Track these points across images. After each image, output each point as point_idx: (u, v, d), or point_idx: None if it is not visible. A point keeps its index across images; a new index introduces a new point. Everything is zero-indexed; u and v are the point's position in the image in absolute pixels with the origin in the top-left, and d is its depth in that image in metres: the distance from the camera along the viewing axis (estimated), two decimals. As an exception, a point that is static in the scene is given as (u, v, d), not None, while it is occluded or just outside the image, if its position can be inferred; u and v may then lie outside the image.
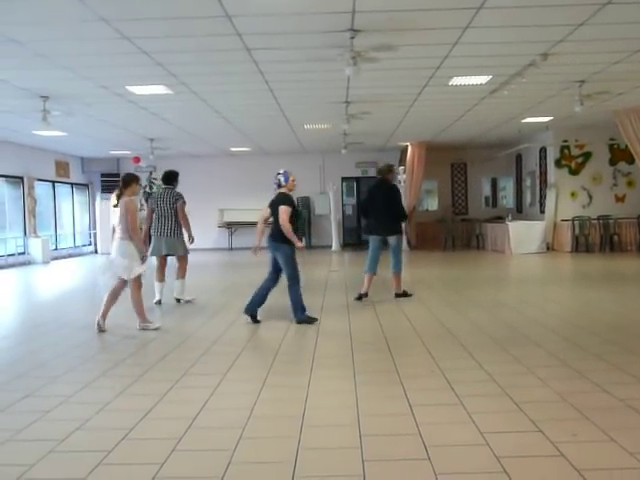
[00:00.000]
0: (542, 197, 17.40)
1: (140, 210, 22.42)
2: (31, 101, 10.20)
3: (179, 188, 8.86)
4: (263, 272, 7.39)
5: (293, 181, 7.02)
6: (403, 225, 8.40)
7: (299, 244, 6.90)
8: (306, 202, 20.82)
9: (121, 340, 6.32)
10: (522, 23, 6.94)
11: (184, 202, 8.60)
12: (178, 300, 8.63)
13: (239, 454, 3.24)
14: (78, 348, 5.99)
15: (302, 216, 20.59)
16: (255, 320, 6.93)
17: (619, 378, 4.46)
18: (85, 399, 4.32)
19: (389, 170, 8.56)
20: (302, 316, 6.85)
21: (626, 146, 13.99)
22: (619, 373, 4.59)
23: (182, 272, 8.66)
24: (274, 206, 6.87)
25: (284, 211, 6.74)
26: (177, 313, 8.10)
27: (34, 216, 17.11)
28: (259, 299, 6.95)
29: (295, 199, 7.28)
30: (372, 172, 20.87)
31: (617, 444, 3.22)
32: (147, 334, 6.54)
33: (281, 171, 7.06)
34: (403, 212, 8.52)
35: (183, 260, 8.69)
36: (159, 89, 9.84)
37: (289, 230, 6.71)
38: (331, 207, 19.66)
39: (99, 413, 3.97)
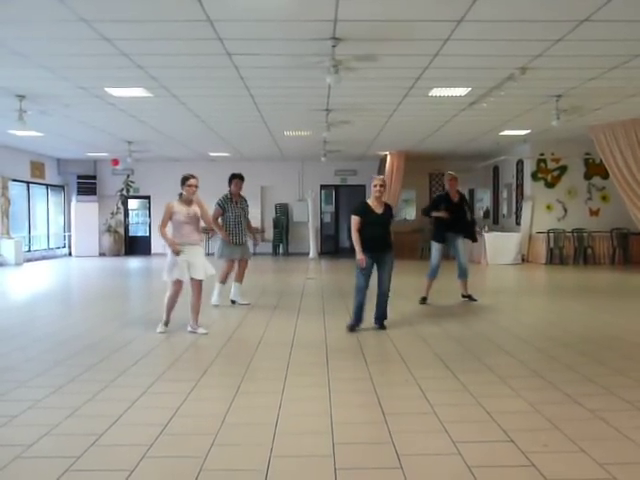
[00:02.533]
0: (518, 209, 17.61)
1: (117, 213, 22.08)
2: (7, 100, 10.05)
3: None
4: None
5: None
6: None
7: None
8: (284, 209, 20.82)
9: (93, 345, 6.22)
10: (501, 37, 7.03)
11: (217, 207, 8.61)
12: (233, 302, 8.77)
13: (210, 461, 3.21)
14: (48, 352, 5.89)
15: (281, 223, 20.61)
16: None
17: (590, 389, 4.51)
18: (54, 404, 4.24)
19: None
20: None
21: (601, 161, 14.23)
22: (590, 384, 4.64)
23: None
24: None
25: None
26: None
27: (7, 217, 16.84)
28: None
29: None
30: (351, 180, 21.03)
31: (587, 455, 3.25)
32: (117, 338, 6.45)
33: None
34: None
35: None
36: (139, 92, 9.77)
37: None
38: (309, 215, 19.68)
39: (68, 418, 3.90)
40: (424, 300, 8.82)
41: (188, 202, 6.66)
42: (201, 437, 3.55)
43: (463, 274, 8.92)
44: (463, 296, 9.04)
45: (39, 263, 17.53)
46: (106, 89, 9.62)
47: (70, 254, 20.46)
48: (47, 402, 4.27)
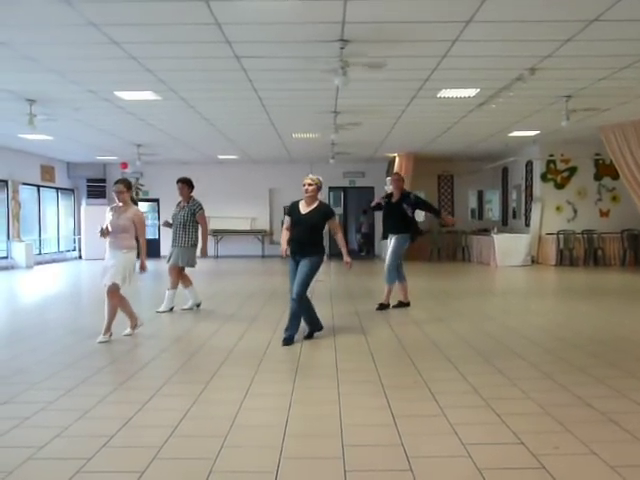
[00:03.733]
0: (527, 210, 17.53)
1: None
2: (17, 104, 10.13)
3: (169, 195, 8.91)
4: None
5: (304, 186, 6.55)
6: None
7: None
8: (293, 211, 20.81)
9: (103, 347, 6.25)
10: (510, 38, 7.01)
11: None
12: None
13: (220, 463, 3.21)
14: (59, 354, 5.92)
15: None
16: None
17: (601, 391, 4.48)
18: (65, 406, 4.26)
19: None
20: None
21: (611, 161, 14.15)
22: (601, 386, 4.61)
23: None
24: None
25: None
26: (166, 320, 8.04)
27: (18, 220, 16.96)
28: None
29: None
30: (360, 182, 21.02)
31: (598, 457, 3.23)
32: (129, 341, 6.48)
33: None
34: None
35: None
36: (147, 95, 9.82)
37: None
38: (318, 217, 19.63)
39: (79, 420, 3.92)
40: (382, 307, 8.43)
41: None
42: (211, 439, 3.55)
43: (386, 278, 8.45)
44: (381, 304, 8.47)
45: (49, 266, 17.62)
46: (115, 92, 9.67)
47: (80, 257, 20.55)
48: (58, 404, 4.29)
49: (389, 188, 8.81)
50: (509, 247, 16.05)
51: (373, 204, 9.03)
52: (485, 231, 18.18)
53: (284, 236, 6.55)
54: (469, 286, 11.94)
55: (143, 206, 21.23)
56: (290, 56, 7.62)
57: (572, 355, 5.67)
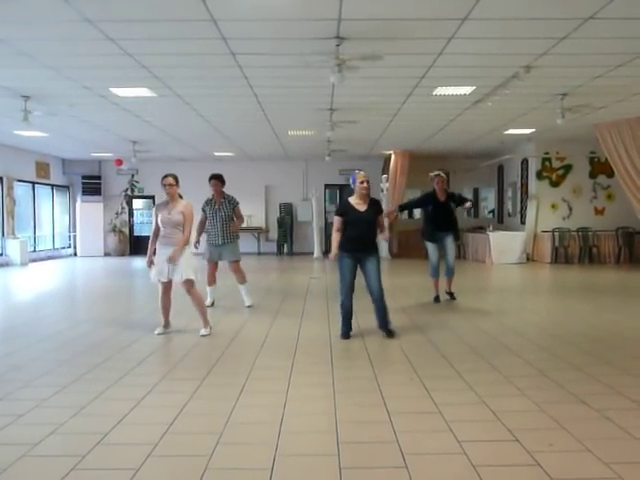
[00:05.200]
0: (523, 208, 17.56)
1: (121, 213, 22.17)
2: (12, 100, 10.08)
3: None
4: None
5: (361, 183, 6.36)
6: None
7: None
8: (289, 209, 20.82)
9: (98, 344, 6.24)
10: (506, 35, 7.01)
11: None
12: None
13: (215, 460, 3.21)
14: (53, 352, 5.91)
15: (285, 222, 20.61)
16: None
17: (596, 388, 4.50)
18: (60, 403, 4.26)
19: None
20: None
21: (606, 159, 14.18)
22: (596, 383, 4.63)
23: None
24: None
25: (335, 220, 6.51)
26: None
27: (13, 217, 16.89)
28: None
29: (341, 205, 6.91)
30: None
31: (592, 454, 3.24)
32: (121, 337, 6.47)
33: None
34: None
35: None
36: (143, 91, 9.78)
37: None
38: (314, 214, 19.67)
39: (74, 417, 3.91)
40: (437, 299, 8.98)
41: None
42: (206, 436, 3.55)
43: (450, 272, 8.99)
44: (447, 292, 9.11)
45: (44, 263, 17.57)
46: (110, 89, 9.63)
47: (75, 254, 20.50)
48: (53, 401, 4.28)
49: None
50: (504, 245, 16.07)
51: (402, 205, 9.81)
52: (480, 229, 18.21)
53: (335, 238, 6.38)
54: (464, 284, 11.95)
55: (138, 203, 21.24)
56: (286, 53, 7.60)
57: (567, 352, 5.69)
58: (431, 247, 8.99)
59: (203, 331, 6.63)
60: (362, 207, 6.33)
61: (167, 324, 6.77)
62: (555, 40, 7.16)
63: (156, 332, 6.66)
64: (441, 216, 8.90)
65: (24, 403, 4.20)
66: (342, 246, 6.31)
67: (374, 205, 6.43)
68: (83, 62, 8.05)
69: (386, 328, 6.49)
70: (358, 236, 6.25)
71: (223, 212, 8.45)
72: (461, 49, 7.45)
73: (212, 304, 8.55)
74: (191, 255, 6.64)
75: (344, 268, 6.34)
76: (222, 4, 5.95)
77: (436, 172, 9.08)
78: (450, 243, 8.86)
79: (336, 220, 6.44)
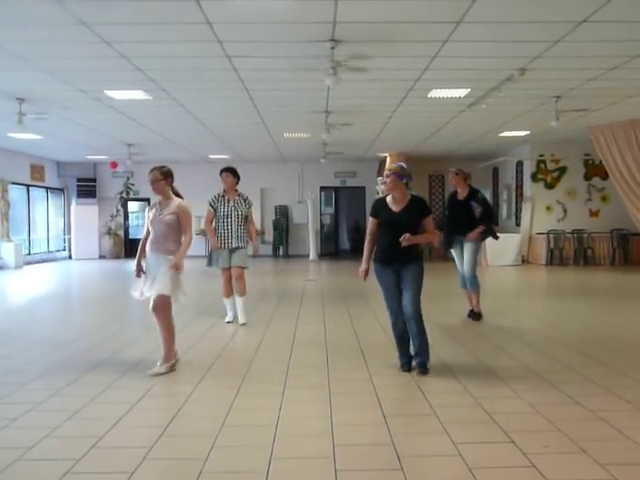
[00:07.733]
0: (518, 210, 17.61)
1: (116, 216, 22.06)
2: (7, 103, 10.06)
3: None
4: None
5: (386, 177, 5.13)
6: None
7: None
8: (284, 211, 20.82)
9: (92, 347, 6.22)
10: (500, 38, 7.04)
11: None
12: None
13: (211, 463, 3.20)
14: (48, 355, 5.88)
15: (280, 225, 20.60)
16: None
17: (590, 390, 4.51)
18: (54, 406, 4.24)
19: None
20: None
21: (600, 162, 14.22)
22: (590, 385, 4.64)
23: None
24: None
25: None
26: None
27: (7, 220, 16.83)
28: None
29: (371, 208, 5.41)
30: (351, 182, 21.03)
31: (588, 455, 3.24)
32: (116, 340, 6.45)
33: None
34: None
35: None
36: (138, 94, 9.78)
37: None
38: (309, 216, 19.67)
39: (68, 421, 3.90)
40: (472, 313, 7.67)
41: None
42: (201, 439, 3.54)
43: (466, 283, 7.71)
44: (470, 310, 7.72)
45: (39, 266, 17.52)
46: (105, 92, 9.62)
47: (70, 257, 20.44)
48: (47, 404, 4.27)
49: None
50: (500, 247, 16.00)
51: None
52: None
53: (367, 247, 5.19)
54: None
55: (134, 205, 21.20)
56: (281, 56, 7.61)
57: (562, 354, 5.70)
58: (453, 254, 7.87)
59: (158, 368, 5.07)
60: (397, 207, 5.07)
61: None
62: (549, 43, 7.19)
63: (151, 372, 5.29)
64: (457, 217, 7.61)
65: (18, 406, 4.19)
66: (376, 255, 5.15)
67: (415, 205, 5.09)
68: (78, 65, 8.04)
69: (423, 366, 5.04)
70: (390, 242, 4.99)
71: (239, 211, 7.32)
72: (456, 52, 7.47)
73: (232, 320, 7.48)
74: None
75: (384, 282, 5.10)
76: (217, 7, 5.95)
77: (455, 170, 7.72)
78: (468, 248, 7.55)
79: (369, 222, 5.28)
